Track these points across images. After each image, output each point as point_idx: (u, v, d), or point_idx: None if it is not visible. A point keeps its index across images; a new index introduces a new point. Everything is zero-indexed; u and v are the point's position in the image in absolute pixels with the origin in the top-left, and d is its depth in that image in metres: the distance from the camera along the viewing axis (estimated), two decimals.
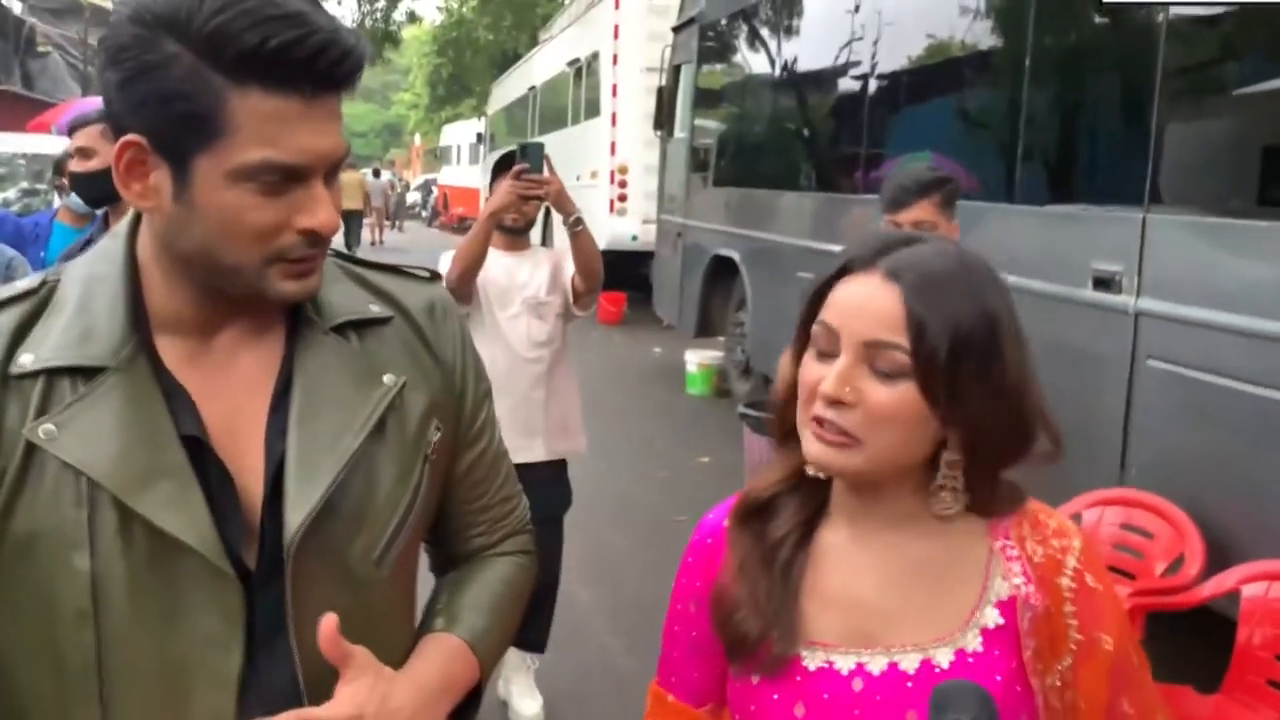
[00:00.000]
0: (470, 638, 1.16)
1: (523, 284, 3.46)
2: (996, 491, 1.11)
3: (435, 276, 1.25)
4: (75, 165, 3.20)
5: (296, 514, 1.01)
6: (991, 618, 1.07)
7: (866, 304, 1.03)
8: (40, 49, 19.93)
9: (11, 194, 8.40)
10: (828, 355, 1.05)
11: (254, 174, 0.95)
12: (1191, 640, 3.06)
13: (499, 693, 3.65)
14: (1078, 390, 3.77)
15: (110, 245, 1.07)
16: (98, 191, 3.19)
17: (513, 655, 3.58)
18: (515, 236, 3.51)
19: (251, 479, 1.04)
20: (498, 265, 3.45)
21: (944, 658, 1.07)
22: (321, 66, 0.95)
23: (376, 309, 1.15)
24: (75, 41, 20.10)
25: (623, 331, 11.80)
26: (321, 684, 1.02)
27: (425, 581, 1.25)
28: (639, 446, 6.95)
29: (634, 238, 11.74)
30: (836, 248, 4.47)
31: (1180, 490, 3.19)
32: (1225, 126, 3.47)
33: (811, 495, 1.15)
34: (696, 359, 8.77)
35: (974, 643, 1.07)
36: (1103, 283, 3.71)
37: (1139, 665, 1.11)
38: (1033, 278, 4.07)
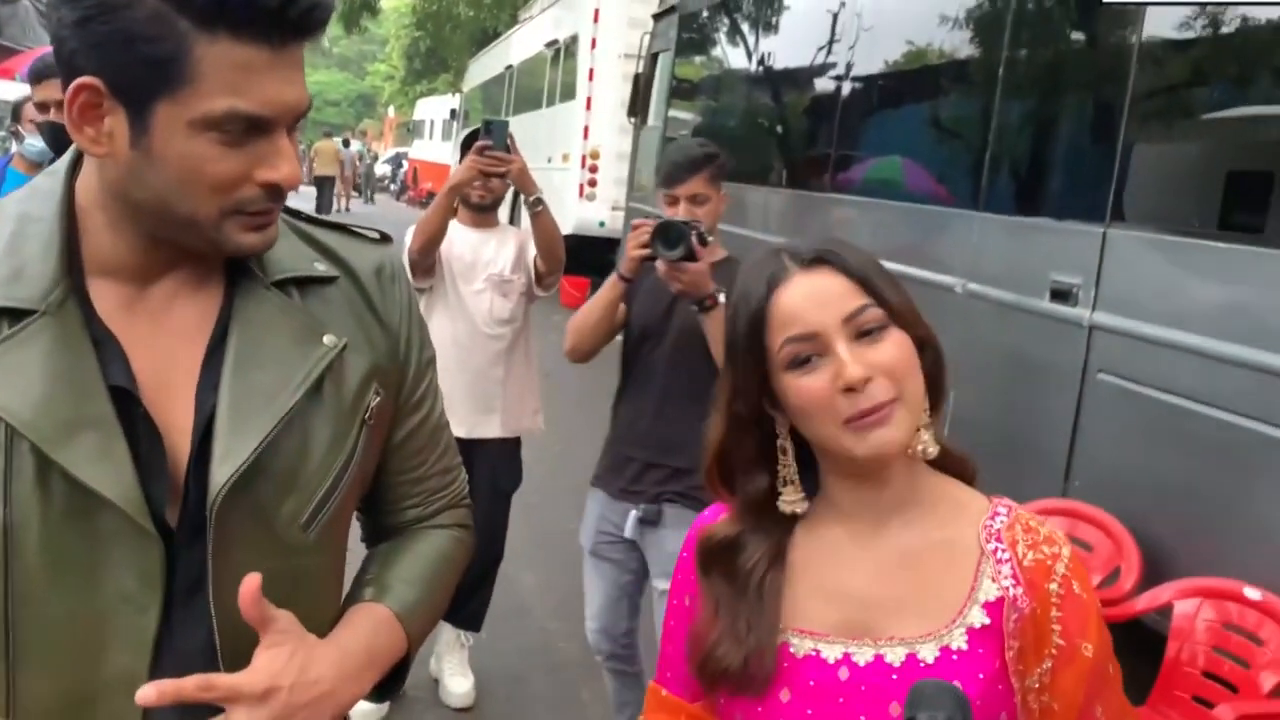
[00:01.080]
0: (399, 609, 1.14)
1: (488, 260, 3.44)
2: (946, 446, 1.17)
3: (385, 238, 1.22)
4: (56, 115, 3.08)
5: (223, 470, 0.98)
6: (978, 618, 1.10)
7: (822, 291, 1.09)
8: None
9: None
10: (809, 363, 1.08)
11: (218, 123, 0.92)
12: (1121, 653, 3.10)
13: (430, 669, 3.63)
14: (1028, 399, 3.81)
15: (47, 184, 1.03)
16: (68, 141, 3.12)
17: (447, 632, 3.57)
18: (482, 213, 3.49)
19: (179, 433, 1.01)
20: (464, 240, 3.43)
21: (929, 653, 1.09)
22: (291, 15, 0.92)
23: (322, 267, 1.12)
24: None
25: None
26: (238, 648, 1.00)
27: (357, 552, 1.22)
28: (596, 430, 6.91)
29: (601, 224, 11.70)
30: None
31: (1121, 504, 3.23)
32: (1190, 149, 3.52)
33: (777, 524, 1.18)
34: None
35: (959, 640, 1.09)
36: (1060, 294, 3.74)
37: (1114, 674, 1.15)
38: (993, 286, 4.10)
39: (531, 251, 3.44)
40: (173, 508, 1.01)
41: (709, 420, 1.18)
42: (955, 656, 1.09)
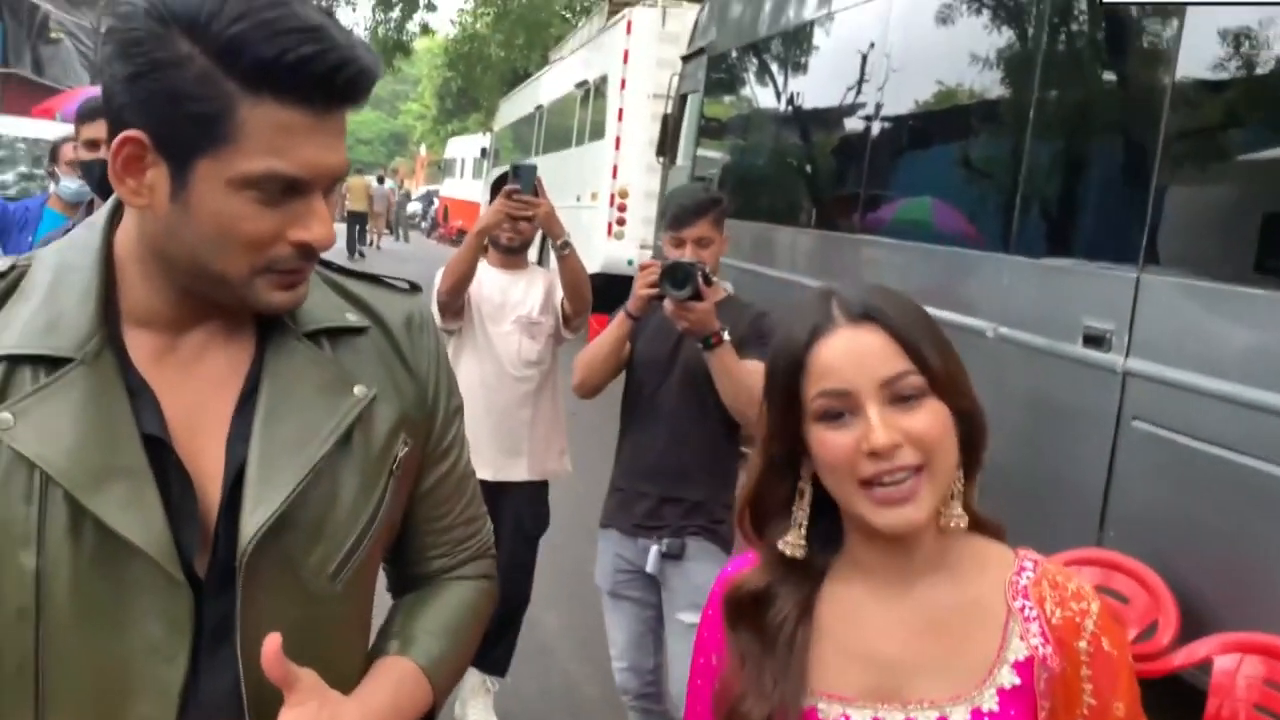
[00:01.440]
0: (425, 663, 1.13)
1: (516, 302, 3.45)
2: (976, 511, 1.14)
3: (415, 288, 1.23)
4: (84, 154, 3.14)
5: (253, 521, 0.99)
6: (1009, 678, 1.08)
7: (863, 350, 1.07)
8: (53, 35, 19.97)
9: (9, 177, 8.36)
10: (840, 418, 1.07)
11: (256, 183, 0.94)
12: (1160, 709, 3.02)
13: (455, 714, 3.60)
14: (1060, 447, 3.75)
15: (85, 235, 1.04)
16: (106, 181, 3.15)
17: (472, 676, 3.54)
18: (511, 255, 3.51)
19: (210, 482, 1.01)
20: (492, 282, 3.45)
21: (960, 716, 1.07)
22: (337, 83, 0.94)
23: (353, 318, 1.13)
24: (88, 30, 20.12)
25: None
26: (264, 698, 0.99)
27: (383, 602, 1.21)
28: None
29: (630, 262, 11.72)
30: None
31: (1158, 555, 3.17)
32: (1225, 192, 3.47)
33: (806, 576, 1.16)
34: None
35: (990, 702, 1.07)
36: (1093, 340, 3.69)
37: None
38: (1023, 330, 4.06)
39: (559, 294, 3.46)
40: (201, 556, 1.01)
41: (748, 461, 1.17)
42: (986, 718, 1.06)
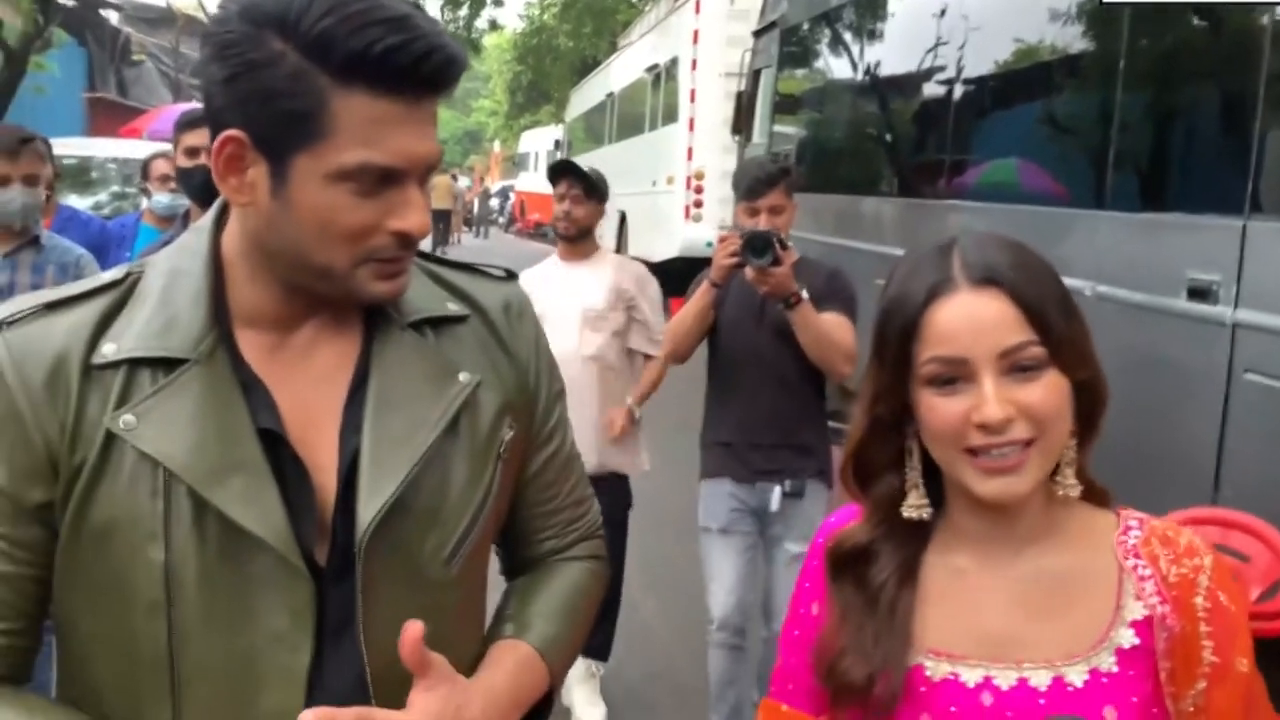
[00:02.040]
0: (541, 646, 1.15)
1: (576, 292, 3.44)
2: (1090, 478, 1.10)
3: (511, 275, 1.25)
4: (184, 161, 3.21)
5: (369, 509, 1.01)
6: (1127, 638, 1.04)
7: (982, 318, 1.01)
8: (135, 58, 20.59)
9: (103, 197, 8.62)
10: (952, 384, 1.02)
11: (352, 175, 0.96)
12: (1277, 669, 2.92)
13: (562, 699, 3.63)
14: (1170, 405, 3.63)
15: (193, 240, 1.07)
16: (210, 188, 3.21)
17: (578, 663, 3.56)
18: (573, 244, 3.52)
19: (325, 474, 1.04)
20: (556, 275, 3.50)
21: (1077, 676, 1.03)
22: (425, 71, 0.95)
23: (454, 307, 1.14)
24: (168, 50, 20.69)
25: None
26: (388, 682, 1.01)
27: (497, 585, 1.23)
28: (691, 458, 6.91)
29: (709, 244, 11.68)
30: None
31: (1278, 510, 3.05)
32: None
33: (911, 535, 1.13)
34: None
35: (1108, 662, 1.04)
36: (1198, 293, 3.56)
37: (1261, 690, 1.08)
38: (1123, 287, 3.93)
39: (633, 289, 3.46)
40: (320, 547, 1.03)
41: (852, 417, 1.14)
42: (1105, 679, 1.03)
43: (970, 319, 1.01)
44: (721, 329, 3.09)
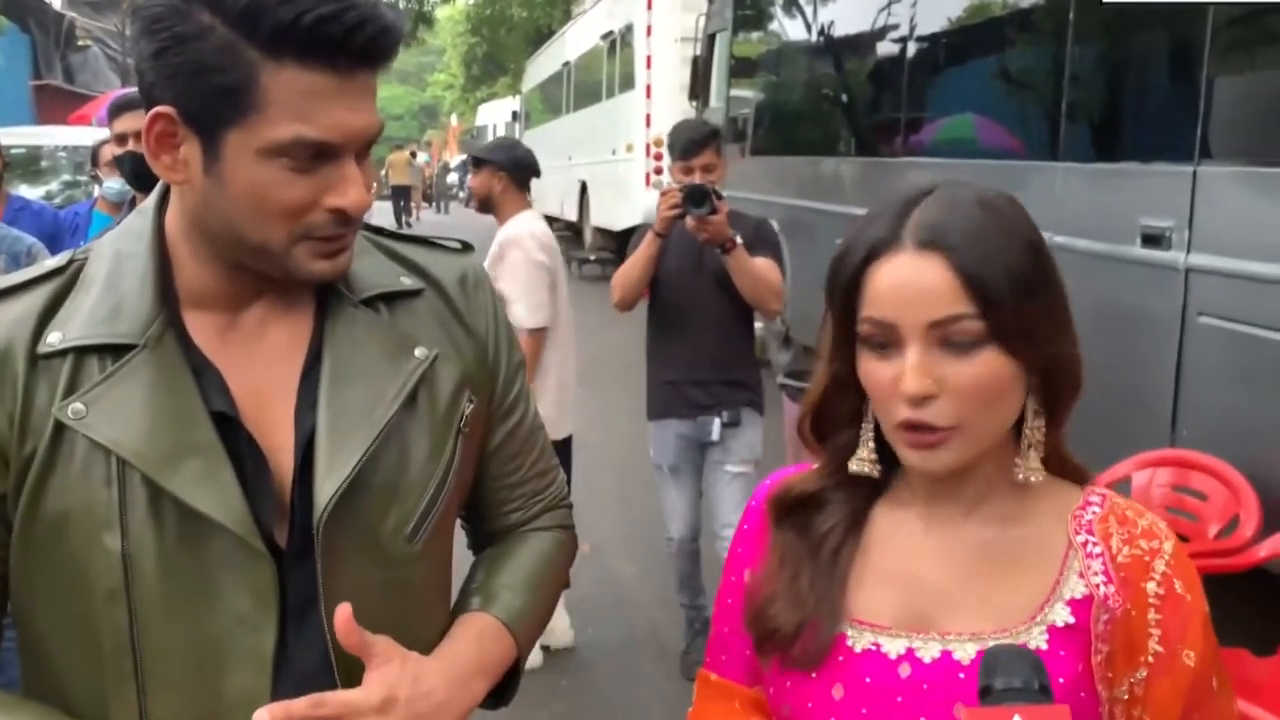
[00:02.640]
0: (506, 617, 1.14)
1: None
2: (1065, 455, 1.05)
3: (466, 247, 1.23)
4: (135, 145, 3.12)
5: (327, 487, 1.00)
6: (1062, 615, 0.99)
7: (915, 285, 0.95)
8: (80, 43, 20.17)
9: (54, 186, 8.48)
10: (885, 349, 0.97)
11: (285, 150, 0.93)
12: (1248, 603, 3.00)
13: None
14: (1126, 350, 3.69)
15: (137, 222, 1.05)
16: (146, 172, 3.16)
17: None
18: (485, 214, 3.77)
19: (282, 454, 1.02)
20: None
21: None
22: (357, 42, 0.92)
23: (407, 281, 1.12)
24: (114, 34, 20.29)
25: None
26: (354, 661, 1.00)
27: (464, 560, 1.23)
28: None
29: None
30: None
31: (1234, 450, 3.11)
32: (1278, 75, 3.36)
33: (861, 489, 1.09)
34: None
35: (1039, 639, 0.99)
36: (1152, 239, 3.62)
37: (1219, 689, 1.02)
38: (1079, 236, 3.98)
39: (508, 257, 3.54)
40: (280, 527, 1.02)
41: (813, 371, 1.10)
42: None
43: (904, 284, 0.95)
44: (663, 278, 3.43)
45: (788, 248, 7.51)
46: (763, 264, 3.30)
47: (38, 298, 1.00)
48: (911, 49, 5.81)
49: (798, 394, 5.33)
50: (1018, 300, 0.94)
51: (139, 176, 3.18)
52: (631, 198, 12.04)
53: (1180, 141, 3.53)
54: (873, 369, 0.98)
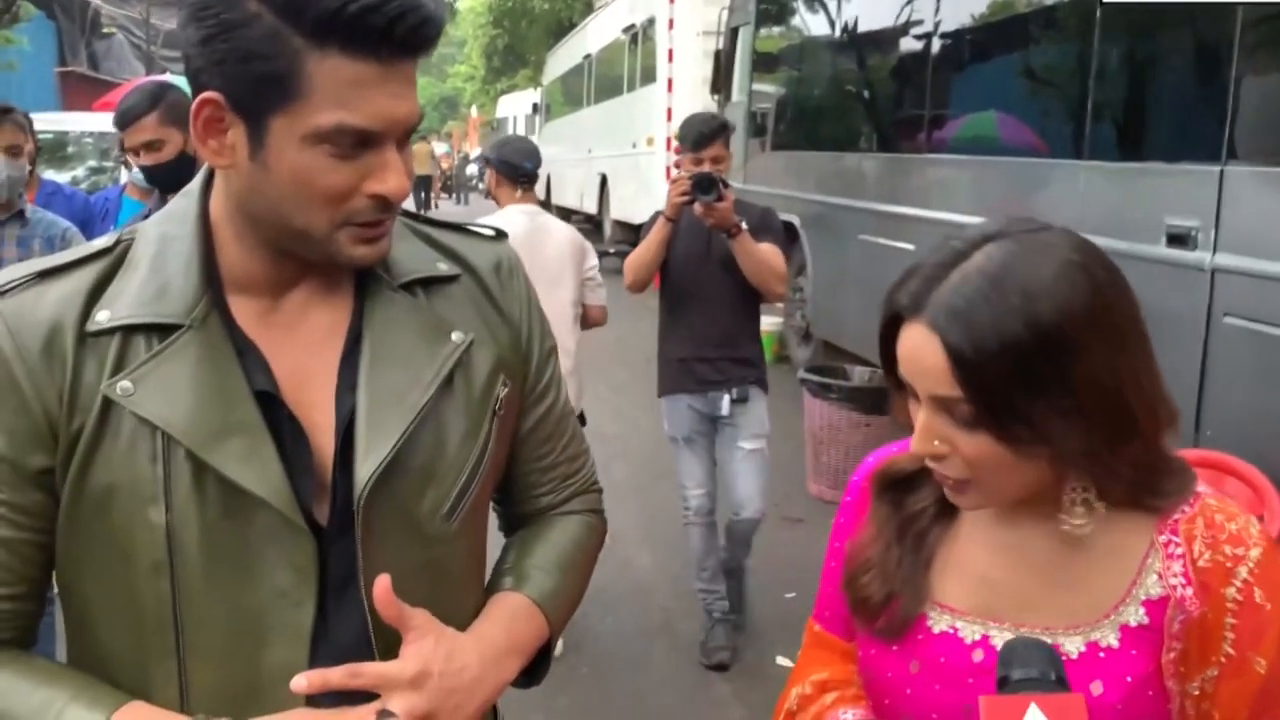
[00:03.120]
0: (538, 597, 1.16)
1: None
2: (1156, 476, 1.03)
3: (500, 234, 1.25)
4: (145, 160, 3.03)
5: (366, 467, 1.02)
6: (1135, 615, 1.02)
7: (919, 360, 0.99)
8: (105, 30, 20.31)
9: (80, 171, 8.55)
10: (915, 398, 1.02)
11: (328, 137, 0.95)
12: None
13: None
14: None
15: (182, 204, 1.07)
16: (175, 178, 3.11)
17: None
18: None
19: (322, 434, 1.05)
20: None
21: (1073, 646, 1.02)
22: (400, 31, 0.94)
23: (444, 267, 1.15)
24: (138, 22, 20.41)
25: None
26: (392, 637, 1.02)
27: (497, 542, 1.24)
28: None
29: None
30: (900, 209, 4.43)
31: (1258, 450, 3.10)
32: None
33: None
34: None
35: (1110, 637, 1.02)
36: (1178, 239, 3.60)
37: None
38: (1104, 235, 3.96)
39: (578, 252, 3.79)
40: (320, 505, 1.04)
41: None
42: (1103, 654, 1.02)
43: (911, 355, 1.00)
44: (673, 262, 3.64)
45: (808, 243, 7.55)
46: (767, 249, 3.49)
47: (85, 277, 1.02)
48: (934, 45, 5.79)
49: (818, 389, 5.34)
50: (1013, 396, 0.94)
51: (159, 184, 3.06)
52: (652, 191, 12.04)
53: (1207, 141, 3.52)
54: (908, 406, 1.04)
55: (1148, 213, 3.78)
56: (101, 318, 1.00)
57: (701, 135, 3.56)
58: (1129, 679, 1.00)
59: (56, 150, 8.32)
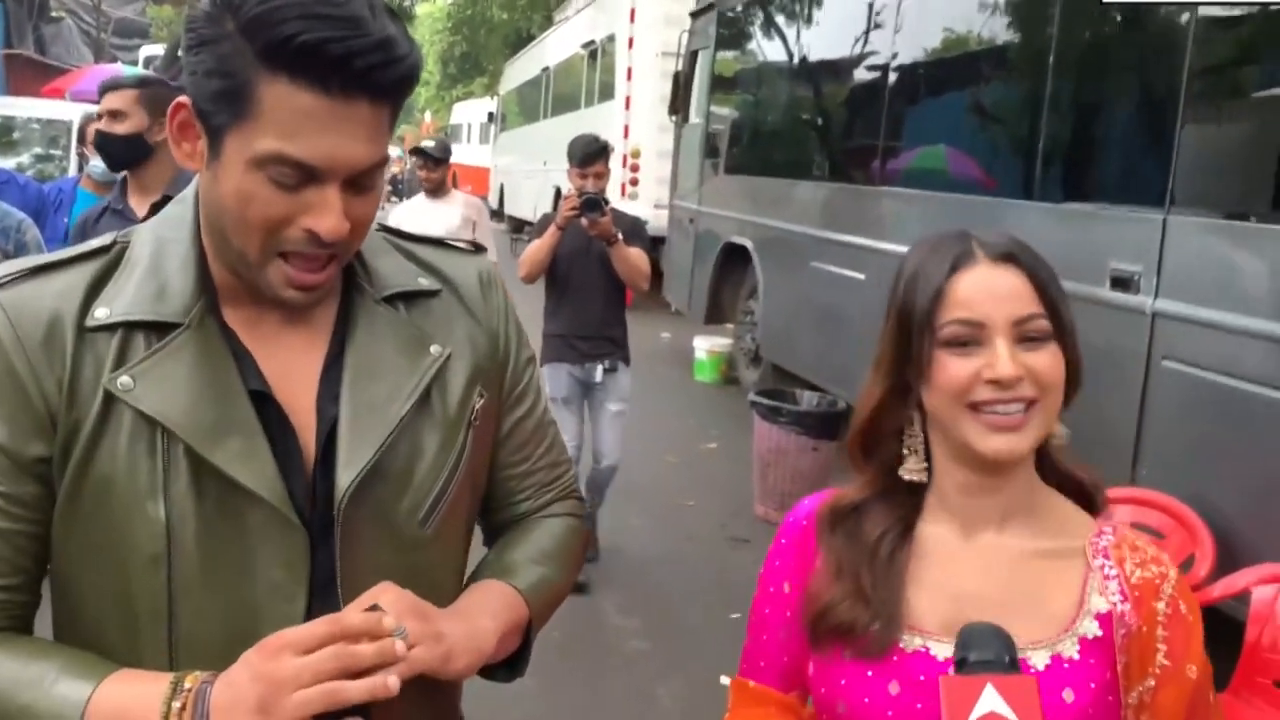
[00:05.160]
0: (522, 586, 1.18)
1: (441, 218, 5.01)
2: (1066, 470, 1.21)
3: (479, 248, 1.29)
4: (104, 125, 3.18)
5: (346, 475, 1.05)
6: (1091, 628, 1.12)
7: (1002, 288, 1.11)
8: (53, 14, 19.91)
9: (25, 159, 8.39)
10: (966, 346, 1.11)
11: (268, 163, 0.97)
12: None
13: None
14: (1091, 388, 3.73)
15: (178, 210, 1.10)
16: (124, 154, 3.18)
17: None
18: (434, 193, 5.43)
19: (305, 438, 1.07)
20: (420, 210, 5.36)
21: (1040, 660, 1.10)
22: (356, 68, 0.94)
23: (425, 282, 1.18)
24: (88, 8, 20.05)
25: (632, 316, 11.56)
26: None
27: (480, 556, 1.26)
28: (648, 431, 6.97)
29: (645, 223, 11.71)
30: (851, 238, 4.52)
31: (1191, 491, 3.21)
32: (1250, 129, 3.48)
33: (905, 498, 1.20)
34: (705, 346, 8.78)
35: (1071, 650, 1.11)
36: (1121, 282, 3.71)
37: (1215, 703, 1.15)
38: None
39: (474, 215, 5.33)
40: (306, 504, 1.07)
41: (862, 390, 1.22)
42: (1067, 665, 1.10)
43: (990, 287, 1.12)
44: (560, 260, 4.53)
45: (760, 267, 7.62)
46: (636, 253, 4.44)
47: (83, 274, 1.05)
48: (889, 78, 5.90)
49: (768, 413, 5.40)
50: (1066, 306, 1.14)
51: (110, 156, 3.21)
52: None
53: (1152, 187, 3.63)
54: (953, 364, 1.12)
55: (1093, 255, 3.89)
56: (100, 314, 1.02)
57: (587, 154, 4.45)
58: (1093, 685, 1.09)
59: (2, 136, 8.14)
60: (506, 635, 1.14)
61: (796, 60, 7.37)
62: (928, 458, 1.19)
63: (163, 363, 1.02)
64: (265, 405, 1.05)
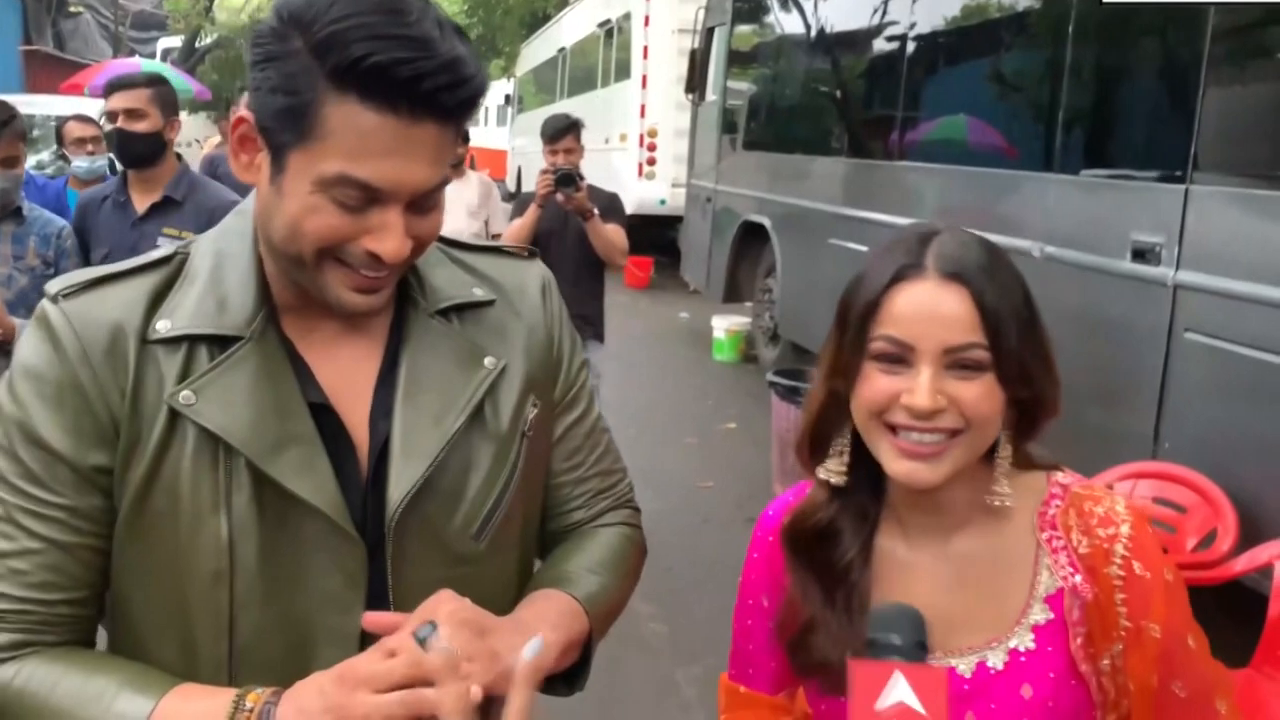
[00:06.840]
0: (581, 595, 1.15)
1: (459, 196, 4.93)
2: (1027, 452, 1.15)
3: (533, 254, 1.28)
4: (123, 124, 3.19)
5: (398, 491, 1.05)
6: (1041, 614, 1.10)
7: (938, 310, 1.04)
8: (72, 9, 19.99)
9: (45, 156, 8.44)
10: (896, 365, 1.05)
11: (333, 185, 0.96)
12: (1222, 615, 3.06)
13: None
14: (1112, 362, 3.75)
15: (237, 223, 1.10)
16: (144, 152, 3.21)
17: None
18: (454, 169, 5.19)
19: (360, 452, 1.08)
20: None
21: (997, 659, 1.10)
22: (424, 89, 0.93)
23: (479, 292, 1.17)
24: (106, 2, 20.12)
25: (649, 296, 11.78)
26: None
27: None
28: (666, 412, 6.98)
29: (662, 202, 11.68)
30: (870, 214, 4.48)
31: (1214, 464, 3.18)
32: (1273, 97, 3.42)
33: (864, 511, 1.17)
34: (724, 325, 8.75)
35: (1026, 641, 1.09)
36: (1142, 254, 3.67)
37: (1196, 647, 1.11)
38: (1069, 248, 4.03)
39: (494, 199, 5.44)
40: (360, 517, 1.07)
41: (808, 391, 1.17)
42: (1024, 658, 1.09)
43: (929, 308, 1.04)
44: (540, 235, 4.53)
45: (778, 245, 7.58)
46: (612, 229, 4.48)
47: (144, 285, 1.05)
48: (908, 49, 5.84)
49: (786, 392, 5.37)
50: (1020, 339, 1.05)
51: (124, 152, 3.23)
52: (623, 187, 12.02)
53: (1173, 157, 3.59)
54: (877, 379, 1.06)
55: (1113, 227, 3.84)
56: (161, 326, 1.03)
57: (556, 131, 4.54)
58: (1051, 675, 1.08)
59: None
60: (568, 648, 1.11)
61: (813, 34, 7.30)
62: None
63: (224, 376, 1.02)
64: (323, 417, 1.05)
